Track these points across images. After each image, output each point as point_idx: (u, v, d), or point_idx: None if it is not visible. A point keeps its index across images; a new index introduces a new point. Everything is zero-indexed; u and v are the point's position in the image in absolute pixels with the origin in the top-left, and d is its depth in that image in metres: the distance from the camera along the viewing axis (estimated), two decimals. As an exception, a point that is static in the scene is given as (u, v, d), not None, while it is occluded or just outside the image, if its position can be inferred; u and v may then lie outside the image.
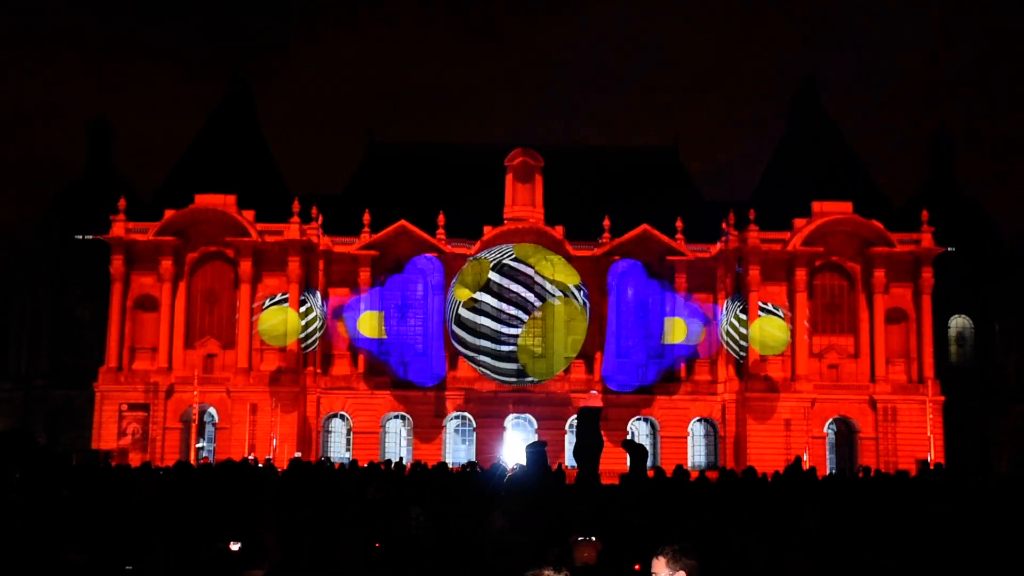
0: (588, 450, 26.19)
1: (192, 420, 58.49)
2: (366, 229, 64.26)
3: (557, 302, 53.12)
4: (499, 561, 14.06)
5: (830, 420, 62.30)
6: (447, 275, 61.01)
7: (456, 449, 63.64)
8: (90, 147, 76.52)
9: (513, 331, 52.86)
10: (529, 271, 53.13)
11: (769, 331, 57.64)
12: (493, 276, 53.16)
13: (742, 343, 59.80)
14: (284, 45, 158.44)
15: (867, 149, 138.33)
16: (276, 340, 58.23)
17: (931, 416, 59.45)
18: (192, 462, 46.29)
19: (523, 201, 65.04)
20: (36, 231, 72.80)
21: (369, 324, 60.45)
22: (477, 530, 15.64)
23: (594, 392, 59.61)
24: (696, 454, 64.18)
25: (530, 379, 56.54)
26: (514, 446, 59.27)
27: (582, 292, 55.47)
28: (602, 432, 28.10)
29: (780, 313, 58.61)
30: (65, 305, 70.28)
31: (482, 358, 54.83)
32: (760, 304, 59.48)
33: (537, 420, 62.77)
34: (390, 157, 73.47)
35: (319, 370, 63.34)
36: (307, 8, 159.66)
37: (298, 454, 49.55)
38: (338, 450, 63.29)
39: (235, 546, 11.39)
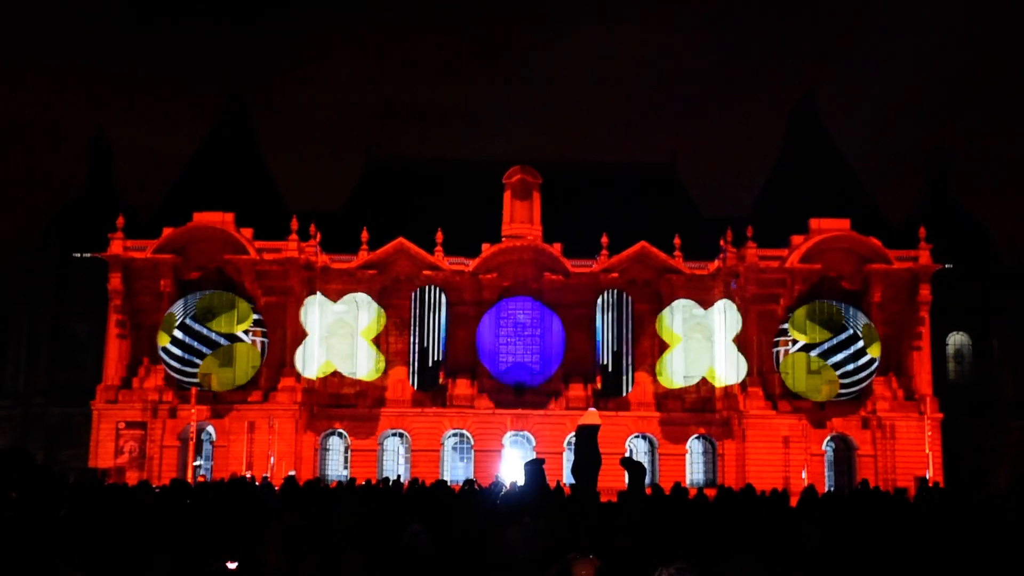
0: (586, 467, 26.13)
1: (190, 438, 58.38)
2: (364, 247, 64.17)
3: None
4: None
5: (828, 437, 62.10)
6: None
7: (454, 467, 63.50)
8: (89, 165, 76.54)
9: None
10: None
11: None
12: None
13: None
14: (282, 62, 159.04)
15: (865, 165, 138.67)
16: None
17: (929, 433, 59.35)
18: (189, 480, 46.16)
19: (521, 218, 65.07)
20: (35, 248, 72.72)
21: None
22: (478, 547, 15.59)
23: (592, 409, 59.33)
24: (695, 471, 63.93)
25: None
26: (512, 464, 59.17)
27: None
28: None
29: None
30: (63, 323, 70.22)
31: None
32: None
33: (535, 438, 62.67)
34: (389, 173, 73.57)
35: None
36: (305, 24, 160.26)
37: (292, 472, 49.40)
38: (335, 468, 63.11)
39: (232, 564, 11.36)
